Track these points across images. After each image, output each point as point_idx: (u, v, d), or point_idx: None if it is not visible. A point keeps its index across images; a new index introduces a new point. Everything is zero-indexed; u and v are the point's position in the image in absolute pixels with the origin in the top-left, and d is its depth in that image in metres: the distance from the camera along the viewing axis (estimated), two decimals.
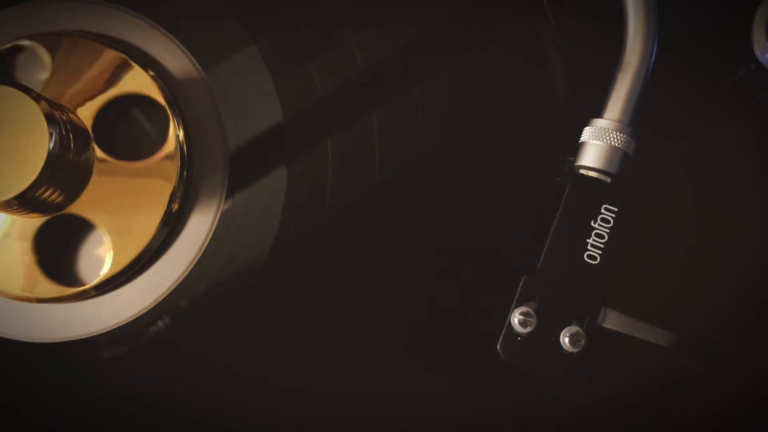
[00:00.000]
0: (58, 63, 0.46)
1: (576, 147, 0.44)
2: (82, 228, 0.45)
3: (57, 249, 0.45)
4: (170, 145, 0.45)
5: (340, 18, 0.47)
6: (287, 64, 0.46)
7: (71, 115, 0.43)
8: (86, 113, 0.45)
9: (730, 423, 0.50)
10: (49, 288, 0.45)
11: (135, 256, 0.44)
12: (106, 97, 0.45)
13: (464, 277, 0.46)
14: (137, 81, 0.45)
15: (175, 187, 0.45)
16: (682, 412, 0.50)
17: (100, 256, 0.45)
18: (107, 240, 0.44)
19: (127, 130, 0.46)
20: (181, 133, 0.45)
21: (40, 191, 0.41)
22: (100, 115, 0.45)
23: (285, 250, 0.45)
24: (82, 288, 0.45)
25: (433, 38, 0.47)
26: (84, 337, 0.45)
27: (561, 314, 0.42)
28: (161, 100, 0.45)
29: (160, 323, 0.45)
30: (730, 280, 0.50)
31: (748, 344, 0.50)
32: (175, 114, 0.45)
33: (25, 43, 0.46)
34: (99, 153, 0.45)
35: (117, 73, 0.46)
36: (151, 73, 0.46)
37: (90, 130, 0.44)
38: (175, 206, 0.45)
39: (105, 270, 0.44)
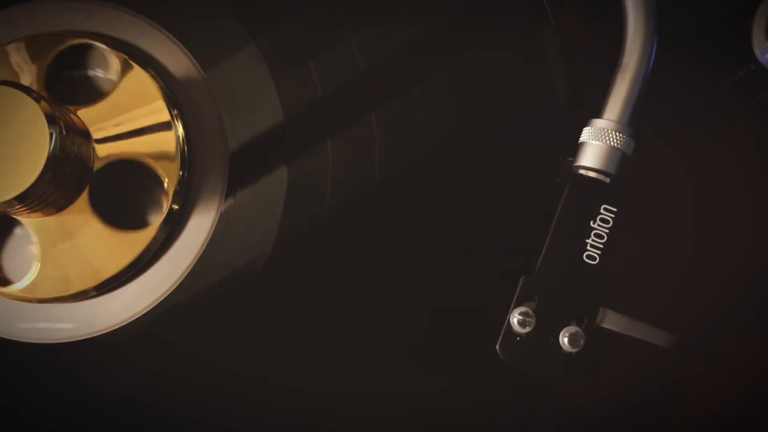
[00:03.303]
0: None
1: (575, 147, 0.44)
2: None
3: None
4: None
5: (340, 18, 0.47)
6: (287, 64, 0.46)
7: (71, 115, 0.43)
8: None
9: (730, 423, 0.50)
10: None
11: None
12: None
13: (464, 276, 0.46)
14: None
15: (175, 187, 0.45)
16: (682, 412, 0.50)
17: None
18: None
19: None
20: (181, 133, 0.45)
21: (41, 191, 0.41)
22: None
23: (285, 250, 0.45)
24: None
25: (433, 38, 0.47)
26: (84, 337, 0.45)
27: (560, 314, 0.42)
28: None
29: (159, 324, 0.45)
30: (730, 280, 0.50)
31: (748, 344, 0.50)
32: (174, 114, 0.45)
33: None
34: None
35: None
36: (151, 72, 0.46)
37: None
38: (175, 206, 0.45)
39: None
